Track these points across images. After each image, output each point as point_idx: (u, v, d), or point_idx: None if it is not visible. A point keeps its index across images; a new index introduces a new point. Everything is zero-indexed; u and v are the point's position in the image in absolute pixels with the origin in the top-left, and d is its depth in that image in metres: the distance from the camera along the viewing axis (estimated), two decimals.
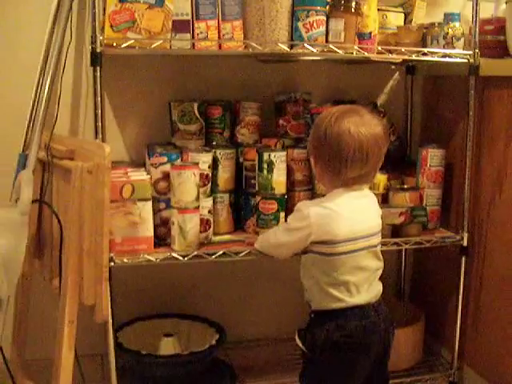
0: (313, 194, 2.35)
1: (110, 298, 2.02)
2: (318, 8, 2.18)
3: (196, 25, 2.13)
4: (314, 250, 1.93)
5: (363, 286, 1.93)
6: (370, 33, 2.28)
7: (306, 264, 1.99)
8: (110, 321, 2.11)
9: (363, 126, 1.86)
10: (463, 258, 2.45)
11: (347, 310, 1.91)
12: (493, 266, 2.38)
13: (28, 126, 2.10)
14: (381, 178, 2.38)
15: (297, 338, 1.99)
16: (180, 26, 2.11)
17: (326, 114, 1.93)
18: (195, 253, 2.14)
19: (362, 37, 2.27)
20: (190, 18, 2.12)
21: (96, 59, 2.01)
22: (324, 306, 1.94)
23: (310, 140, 1.99)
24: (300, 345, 1.97)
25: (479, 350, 2.46)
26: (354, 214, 1.91)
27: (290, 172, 2.32)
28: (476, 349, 2.48)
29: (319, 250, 1.92)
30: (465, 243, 2.44)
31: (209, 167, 2.25)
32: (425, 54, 2.31)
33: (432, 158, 2.46)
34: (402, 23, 2.48)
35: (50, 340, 1.99)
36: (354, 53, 2.23)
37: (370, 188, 2.28)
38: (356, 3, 2.23)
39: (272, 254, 2.07)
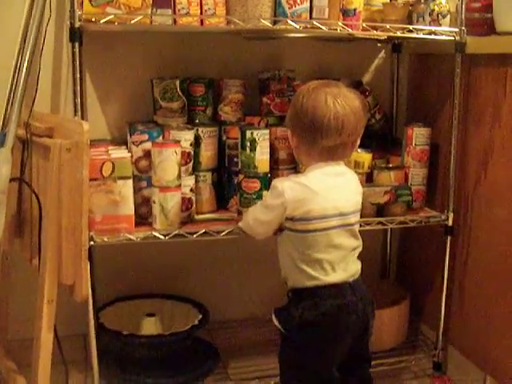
0: (296, 173, 2.31)
1: (90, 278, 2.00)
2: None
3: (177, 0, 2.09)
4: (288, 227, 1.93)
5: (339, 265, 1.92)
6: (355, 9, 2.24)
7: (281, 242, 1.99)
8: (91, 300, 2.08)
9: (340, 97, 1.86)
10: (448, 238, 2.44)
11: (322, 289, 1.90)
12: (478, 246, 2.37)
13: (7, 104, 2.06)
14: (366, 157, 2.36)
15: (273, 316, 2.00)
16: (161, 2, 2.07)
17: (304, 86, 1.95)
18: (176, 232, 2.12)
19: (346, 13, 2.24)
20: None
21: (74, 35, 1.97)
22: (299, 284, 1.94)
23: (288, 112, 1.99)
24: (276, 324, 1.99)
25: (464, 330, 2.46)
26: (328, 191, 1.90)
27: (273, 150, 2.30)
28: (460, 329, 2.47)
29: (293, 227, 1.91)
30: (450, 223, 2.42)
31: (191, 145, 2.23)
32: (410, 31, 2.28)
33: (417, 136, 2.44)
34: (388, 0, 2.45)
35: (31, 320, 1.96)
36: (339, 29, 2.20)
37: (355, 167, 2.29)
38: None
39: (253, 232, 2.06)
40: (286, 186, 1.90)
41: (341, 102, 1.85)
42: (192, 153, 2.24)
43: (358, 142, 1.96)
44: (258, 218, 2.01)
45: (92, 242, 2.04)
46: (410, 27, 2.28)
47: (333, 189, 1.91)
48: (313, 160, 1.94)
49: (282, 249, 2.00)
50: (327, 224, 1.89)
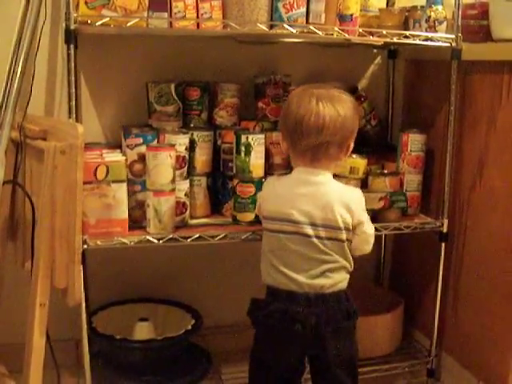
0: None
1: (83, 282, 2.00)
2: None
3: (174, 4, 2.08)
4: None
5: (299, 273, 1.89)
6: (352, 15, 2.24)
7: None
8: (84, 305, 2.07)
9: (325, 97, 1.88)
10: (443, 245, 2.43)
11: (276, 290, 1.93)
12: (472, 253, 2.36)
13: (0, 106, 2.05)
14: (361, 163, 2.35)
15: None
16: (157, 5, 2.06)
17: (296, 88, 1.99)
18: (170, 236, 2.11)
19: (343, 19, 2.23)
20: None
21: (70, 37, 1.96)
22: (263, 279, 1.99)
23: (280, 116, 2.03)
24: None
25: (457, 337, 2.45)
26: (292, 197, 1.91)
27: (268, 155, 2.30)
28: (454, 336, 2.47)
29: (262, 222, 2.01)
30: (445, 229, 2.42)
31: (185, 149, 2.22)
32: (406, 37, 2.27)
33: (413, 142, 2.44)
34: (385, 6, 2.44)
35: (23, 324, 1.95)
36: (335, 34, 2.19)
37: (350, 173, 2.28)
38: None
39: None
40: (265, 184, 2.08)
41: (325, 102, 1.86)
42: (187, 157, 2.23)
43: (351, 145, 1.95)
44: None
45: (85, 246, 2.03)
46: (407, 33, 2.28)
47: (297, 196, 1.90)
48: (297, 163, 1.95)
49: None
50: (279, 227, 1.91)
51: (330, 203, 1.89)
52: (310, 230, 1.89)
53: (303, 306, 1.88)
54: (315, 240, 1.89)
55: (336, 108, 1.86)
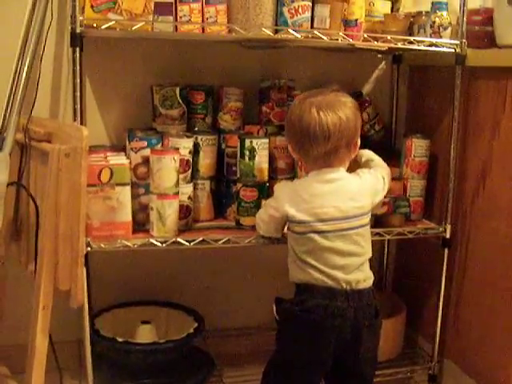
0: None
1: (86, 284, 2.00)
2: None
3: (179, 7, 2.09)
4: (288, 225, 2.02)
5: (335, 269, 1.93)
6: (356, 20, 2.24)
7: (287, 237, 2.05)
8: (86, 307, 2.07)
9: (323, 105, 1.91)
10: (446, 250, 2.43)
11: (313, 287, 1.94)
12: (475, 259, 2.36)
13: (6, 108, 2.06)
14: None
15: (274, 304, 2.05)
16: (162, 9, 2.07)
17: (295, 99, 2.04)
18: (174, 239, 2.12)
19: (347, 24, 2.24)
20: (172, 0, 2.08)
21: (75, 40, 1.97)
22: (293, 277, 2.01)
23: (284, 127, 2.06)
24: (274, 311, 2.04)
25: (460, 342, 2.45)
26: (318, 197, 1.94)
27: (272, 159, 2.31)
28: (457, 342, 2.47)
29: (289, 226, 2.00)
30: (447, 235, 2.42)
31: (189, 153, 2.22)
32: (411, 43, 2.28)
33: (416, 148, 2.44)
34: (389, 11, 2.45)
35: (25, 326, 1.96)
36: (340, 39, 2.20)
37: None
38: None
39: (258, 229, 2.17)
40: (282, 192, 2.03)
41: (324, 110, 1.90)
42: (191, 160, 2.24)
43: (358, 141, 1.99)
44: (259, 214, 2.13)
45: (89, 248, 2.03)
46: (411, 39, 2.28)
47: (322, 195, 1.94)
48: (310, 168, 2.00)
49: (288, 246, 2.05)
50: (311, 228, 1.93)
51: (356, 192, 1.99)
52: (343, 224, 1.94)
53: (342, 301, 1.92)
54: (349, 232, 1.95)
55: (337, 114, 1.90)
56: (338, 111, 1.90)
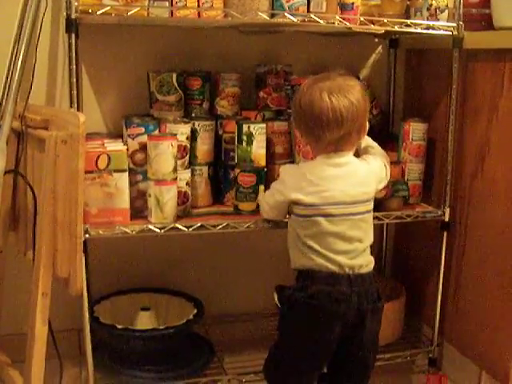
0: None
1: (85, 271, 2.00)
2: None
3: None
4: (291, 210, 2.01)
5: (339, 254, 1.93)
6: (353, 3, 2.23)
7: (289, 222, 2.05)
8: (86, 294, 2.07)
9: (334, 89, 1.89)
10: (444, 234, 2.44)
11: (315, 273, 1.94)
12: (474, 242, 2.36)
13: (2, 96, 2.05)
14: None
15: (274, 291, 2.05)
16: None
17: (301, 85, 2.00)
18: (172, 225, 2.11)
19: (344, 7, 2.23)
20: None
21: (71, 26, 1.96)
22: (296, 263, 2.00)
23: (291, 112, 2.06)
24: (275, 298, 2.04)
25: (459, 326, 2.45)
26: (326, 181, 1.93)
27: (270, 145, 2.30)
28: (456, 325, 2.47)
29: (292, 210, 1.99)
30: (446, 218, 2.42)
31: (187, 139, 2.22)
32: (408, 26, 2.27)
33: (414, 131, 2.44)
34: None
35: (25, 314, 1.95)
36: (336, 23, 2.19)
37: None
38: None
39: (263, 213, 2.17)
40: (288, 174, 2.02)
41: (336, 95, 1.88)
42: (188, 146, 2.23)
43: (367, 125, 1.99)
44: (265, 198, 2.14)
45: (87, 235, 2.03)
46: (408, 22, 2.28)
47: (331, 179, 1.93)
48: (319, 153, 1.98)
49: (288, 229, 2.05)
50: (321, 211, 1.92)
51: (365, 178, 2.00)
52: (350, 209, 1.94)
53: (346, 287, 1.92)
54: (355, 217, 1.96)
55: (348, 98, 1.89)
56: (349, 95, 1.89)
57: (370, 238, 2.02)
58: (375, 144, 2.17)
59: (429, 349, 2.54)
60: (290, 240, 2.03)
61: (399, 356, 2.50)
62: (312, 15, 2.15)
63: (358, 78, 2.61)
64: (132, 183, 2.15)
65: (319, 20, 2.15)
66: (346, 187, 1.94)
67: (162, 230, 2.11)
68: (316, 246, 1.93)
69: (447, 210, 2.41)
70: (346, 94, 1.89)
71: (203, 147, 2.31)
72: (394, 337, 2.57)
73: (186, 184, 2.22)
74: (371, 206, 2.02)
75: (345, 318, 1.93)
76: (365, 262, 1.98)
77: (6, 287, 2.27)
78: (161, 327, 2.32)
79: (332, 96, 1.88)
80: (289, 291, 1.99)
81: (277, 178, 2.26)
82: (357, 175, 1.98)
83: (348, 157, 1.97)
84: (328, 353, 2.01)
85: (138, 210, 2.18)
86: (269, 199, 2.09)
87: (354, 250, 1.95)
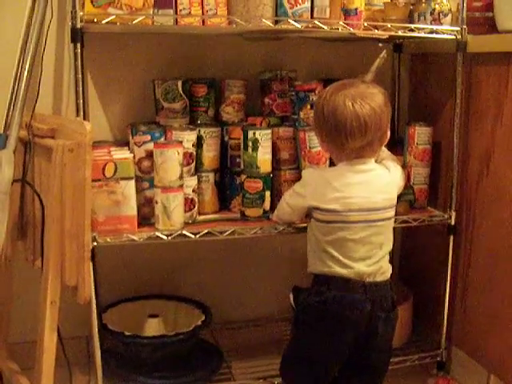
0: (299, 173, 2.31)
1: (93, 279, 2.01)
2: None
3: (179, 0, 2.08)
4: (311, 214, 2.01)
5: (357, 260, 1.94)
6: (356, 9, 2.24)
7: (308, 226, 2.06)
8: (94, 302, 2.08)
9: (358, 97, 1.89)
10: (451, 237, 2.43)
11: (331, 279, 1.94)
12: (481, 245, 2.36)
13: (9, 105, 2.06)
14: None
15: (291, 292, 2.06)
16: (162, 2, 2.07)
17: (323, 91, 2.00)
18: (179, 232, 2.12)
19: (347, 13, 2.24)
20: None
21: (76, 35, 1.97)
22: (312, 268, 2.01)
23: (313, 120, 2.04)
24: (291, 300, 2.05)
25: (467, 329, 2.45)
26: (348, 187, 1.94)
27: (275, 151, 2.31)
28: (464, 329, 2.47)
29: (312, 214, 1.99)
30: (453, 222, 2.42)
31: (193, 146, 2.23)
32: (411, 31, 2.28)
33: (419, 135, 2.44)
34: None
35: (34, 323, 1.97)
36: (340, 29, 2.19)
37: None
38: None
39: (280, 216, 2.18)
40: (311, 178, 2.03)
41: (360, 102, 1.88)
42: (194, 153, 2.24)
43: (388, 134, 1.99)
44: (285, 200, 2.13)
45: (95, 243, 2.04)
46: (412, 26, 2.28)
47: (354, 185, 1.94)
48: (341, 160, 1.99)
49: (308, 233, 2.05)
50: (340, 218, 1.93)
51: (387, 185, 2.01)
52: (372, 216, 1.95)
53: (360, 294, 1.93)
54: (377, 224, 1.96)
55: (371, 106, 1.88)
56: (372, 103, 1.89)
57: (390, 245, 2.03)
58: (387, 151, 2.19)
59: (437, 352, 2.54)
60: (309, 245, 2.04)
61: (407, 360, 2.49)
62: (316, 21, 2.15)
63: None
64: (139, 190, 2.16)
65: (323, 26, 2.16)
66: (368, 194, 1.95)
67: (170, 237, 2.11)
68: (335, 253, 1.94)
69: (453, 214, 2.41)
70: (370, 102, 1.89)
71: (209, 154, 2.31)
72: (402, 341, 2.57)
73: (193, 191, 2.23)
74: (393, 212, 2.03)
75: (357, 324, 1.94)
76: (382, 269, 1.99)
77: (15, 295, 2.27)
78: (169, 334, 2.31)
79: (356, 104, 1.87)
80: (304, 294, 2.00)
81: (283, 184, 2.29)
82: (379, 182, 1.99)
83: (370, 164, 1.98)
84: (340, 358, 2.01)
85: (145, 217, 2.19)
86: (289, 199, 2.10)
87: (373, 257, 1.96)
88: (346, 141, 1.90)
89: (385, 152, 2.16)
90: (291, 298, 2.05)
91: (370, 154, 1.97)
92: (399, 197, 2.29)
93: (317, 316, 1.98)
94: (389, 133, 2.00)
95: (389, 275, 2.03)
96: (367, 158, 1.97)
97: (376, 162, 2.06)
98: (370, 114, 1.87)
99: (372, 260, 1.96)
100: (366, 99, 1.89)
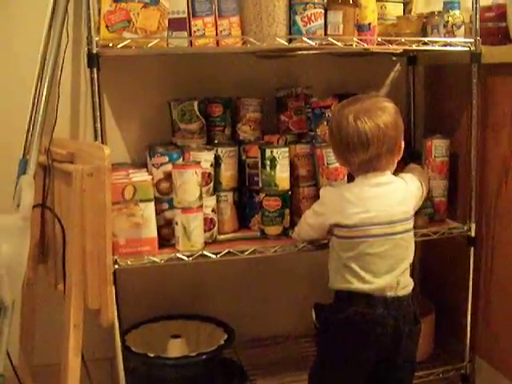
0: (317, 190, 2.31)
1: (115, 301, 2.01)
2: (316, 1, 2.16)
3: (193, 22, 2.11)
4: (331, 231, 2.01)
5: (379, 275, 1.94)
6: (370, 24, 2.25)
7: (330, 244, 2.06)
8: (117, 324, 2.09)
9: (361, 113, 1.91)
10: (471, 249, 2.42)
11: (353, 295, 1.95)
12: (502, 256, 2.35)
13: (28, 131, 2.08)
14: None
15: (313, 309, 2.05)
16: (176, 25, 2.09)
17: (334, 107, 2.06)
18: (200, 252, 2.13)
19: (361, 28, 2.25)
20: (186, 15, 2.11)
21: (92, 60, 2.00)
22: (333, 285, 2.02)
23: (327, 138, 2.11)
24: (313, 317, 2.04)
25: (491, 341, 2.43)
26: (366, 201, 1.94)
27: (293, 168, 2.31)
28: (488, 340, 2.45)
29: (333, 231, 2.00)
30: (472, 234, 2.41)
31: (211, 165, 2.24)
32: (425, 44, 2.28)
33: (437, 148, 2.43)
34: (402, 13, 2.45)
35: (58, 345, 1.97)
36: (354, 45, 2.20)
37: None
38: None
39: (302, 237, 2.17)
40: (328, 197, 2.04)
41: (362, 118, 1.89)
42: (212, 173, 2.25)
43: (402, 144, 2.00)
44: (306, 220, 2.12)
45: (116, 266, 2.05)
46: (425, 39, 2.29)
47: (371, 199, 1.95)
48: (356, 174, 2.00)
49: (330, 250, 2.06)
50: (364, 233, 1.93)
51: (404, 196, 2.01)
52: (393, 228, 1.95)
53: (382, 309, 1.93)
54: (396, 236, 1.96)
55: (375, 121, 1.90)
56: (376, 118, 1.90)
57: (410, 257, 2.02)
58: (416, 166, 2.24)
59: (461, 365, 2.52)
60: (331, 261, 2.04)
61: (431, 373, 2.48)
62: (330, 38, 2.16)
63: None
64: (158, 212, 2.17)
65: (337, 43, 2.17)
66: (386, 207, 1.95)
67: (190, 258, 2.12)
68: (357, 269, 1.94)
69: (473, 226, 2.40)
70: (373, 117, 1.90)
71: (227, 173, 2.32)
72: (425, 354, 2.55)
73: (212, 210, 2.24)
74: (411, 224, 2.02)
75: (380, 340, 1.94)
76: (404, 283, 1.99)
77: (38, 318, 2.29)
78: (192, 354, 2.31)
79: (358, 119, 1.89)
80: (326, 311, 2.01)
81: (302, 201, 2.28)
82: (396, 194, 1.99)
83: (386, 176, 1.99)
84: (364, 373, 2.01)
85: (166, 239, 2.20)
86: (310, 220, 2.09)
87: (394, 270, 1.96)
88: (351, 156, 1.94)
89: (411, 166, 2.22)
90: (313, 316, 2.05)
91: (382, 166, 1.97)
92: (418, 210, 2.30)
93: (340, 333, 1.98)
94: (402, 144, 2.00)
95: (411, 289, 2.02)
96: (381, 171, 1.97)
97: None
98: (371, 128, 1.89)
99: (393, 274, 1.96)
100: (370, 114, 1.90)
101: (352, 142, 1.90)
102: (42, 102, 2.00)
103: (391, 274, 1.95)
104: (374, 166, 1.95)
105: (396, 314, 1.94)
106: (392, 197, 1.98)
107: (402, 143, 2.00)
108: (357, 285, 1.94)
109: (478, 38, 2.31)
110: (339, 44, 2.17)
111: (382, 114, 1.92)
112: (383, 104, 1.96)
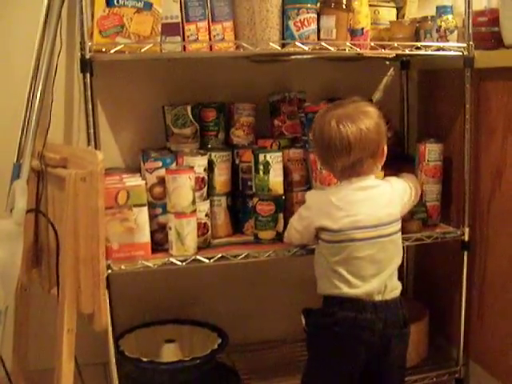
0: None
1: (109, 306, 2.01)
2: (309, 5, 2.16)
3: (186, 27, 2.12)
4: (318, 235, 2.01)
5: (366, 279, 1.94)
6: (363, 29, 2.26)
7: (316, 248, 2.06)
8: (110, 329, 2.09)
9: (343, 117, 1.92)
10: (465, 253, 2.42)
11: (341, 299, 1.95)
12: (495, 260, 2.35)
13: (21, 136, 2.09)
14: (378, 175, 2.35)
15: (302, 314, 2.06)
16: (170, 29, 2.10)
17: (318, 112, 2.05)
18: (193, 257, 2.13)
19: (354, 33, 2.25)
20: (179, 20, 2.11)
21: (85, 66, 2.00)
22: (322, 290, 2.02)
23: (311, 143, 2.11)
24: (303, 322, 2.05)
25: (484, 345, 2.44)
26: (352, 205, 1.95)
27: (286, 172, 2.32)
28: (481, 344, 2.45)
29: (320, 236, 2.00)
30: (466, 238, 2.41)
31: (204, 170, 2.24)
32: (418, 48, 2.29)
33: (430, 152, 2.44)
34: (395, 18, 2.45)
35: (51, 350, 1.97)
36: (347, 49, 2.21)
37: None
38: None
39: (292, 241, 2.17)
40: (313, 200, 2.06)
41: (344, 122, 1.90)
42: (206, 178, 2.25)
43: (385, 148, 2.00)
44: (292, 225, 2.14)
45: (109, 271, 2.05)
46: (418, 44, 2.29)
47: (357, 203, 1.95)
48: (340, 179, 2.02)
49: (315, 255, 2.07)
50: (347, 236, 1.93)
51: (389, 199, 2.02)
52: (377, 232, 1.96)
53: (370, 314, 1.93)
54: (383, 239, 1.97)
55: (357, 125, 1.91)
56: (358, 123, 1.91)
57: (398, 260, 2.03)
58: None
59: (455, 369, 2.52)
60: (318, 266, 2.04)
61: (425, 377, 2.48)
62: (323, 43, 2.17)
63: (371, 102, 2.62)
64: (152, 217, 2.17)
65: (330, 47, 2.17)
66: (372, 210, 1.95)
67: (184, 263, 2.12)
68: (344, 273, 1.94)
69: (467, 230, 2.40)
70: (355, 121, 1.91)
71: (221, 178, 2.32)
72: (419, 358, 2.55)
73: (206, 215, 2.24)
74: (398, 226, 2.03)
75: (369, 344, 1.94)
76: (392, 287, 1.99)
77: (32, 323, 2.28)
78: (186, 359, 2.32)
79: (340, 124, 1.91)
80: (315, 316, 2.01)
81: (295, 206, 2.29)
82: (382, 197, 2.00)
83: (370, 180, 1.99)
84: (353, 377, 2.01)
85: (159, 243, 2.20)
86: (296, 224, 2.10)
87: (381, 274, 1.96)
88: (334, 160, 1.94)
89: (403, 174, 2.23)
90: (303, 320, 2.05)
91: (366, 171, 1.98)
92: (412, 215, 2.31)
93: (328, 337, 1.98)
94: (385, 149, 2.00)
95: (398, 292, 2.03)
96: (365, 175, 1.98)
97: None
98: (354, 133, 1.90)
99: (381, 278, 1.96)
100: (353, 119, 1.92)
101: (334, 146, 1.91)
102: (36, 107, 2.01)
103: (379, 278, 1.96)
104: (357, 171, 1.96)
105: (384, 317, 1.94)
106: (378, 200, 1.99)
107: (385, 147, 2.00)
108: (345, 290, 1.94)
109: (471, 42, 2.31)
110: (332, 49, 2.18)
111: (364, 118, 1.93)
112: (366, 108, 1.97)
